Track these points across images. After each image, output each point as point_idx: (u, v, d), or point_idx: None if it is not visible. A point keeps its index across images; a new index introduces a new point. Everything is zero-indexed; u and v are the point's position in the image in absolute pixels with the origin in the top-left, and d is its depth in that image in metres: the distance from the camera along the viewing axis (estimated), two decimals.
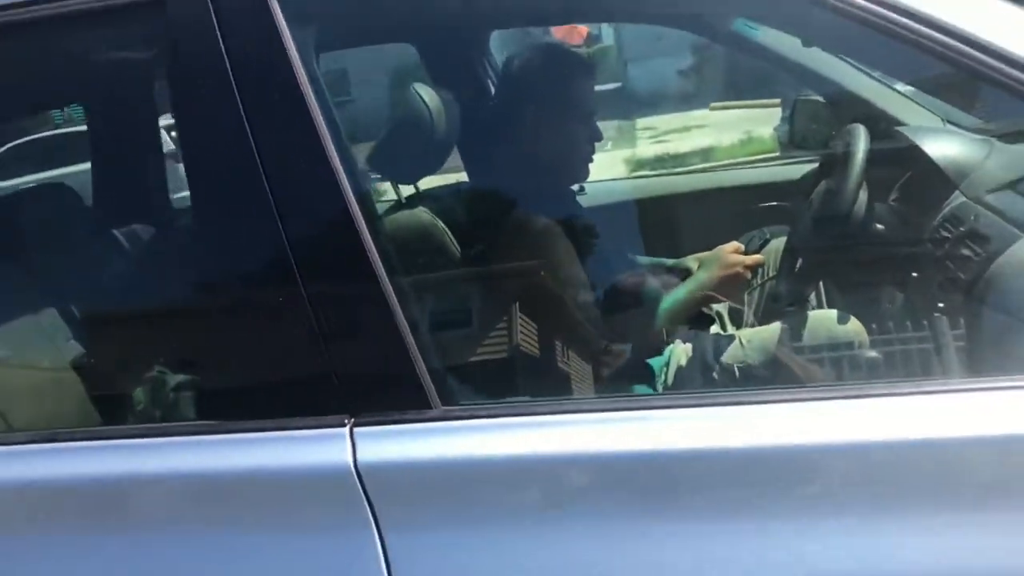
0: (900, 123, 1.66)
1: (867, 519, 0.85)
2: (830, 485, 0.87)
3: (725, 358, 1.60)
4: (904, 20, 0.93)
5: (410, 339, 0.91)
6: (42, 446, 0.97)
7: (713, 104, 5.98)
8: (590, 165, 1.66)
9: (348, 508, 0.89)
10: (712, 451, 0.88)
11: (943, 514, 0.85)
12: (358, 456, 0.89)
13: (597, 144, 1.61)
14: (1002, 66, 0.90)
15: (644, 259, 1.78)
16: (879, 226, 1.54)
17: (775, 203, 1.91)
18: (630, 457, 0.89)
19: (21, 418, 1.14)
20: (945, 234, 1.40)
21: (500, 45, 1.99)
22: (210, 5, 0.96)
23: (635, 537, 0.88)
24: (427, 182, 1.60)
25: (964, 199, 1.38)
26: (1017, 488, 0.86)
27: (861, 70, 1.65)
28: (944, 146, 1.51)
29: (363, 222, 0.92)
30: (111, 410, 1.14)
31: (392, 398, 0.92)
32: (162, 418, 1.06)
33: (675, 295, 1.64)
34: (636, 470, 0.90)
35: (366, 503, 0.89)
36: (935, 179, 1.46)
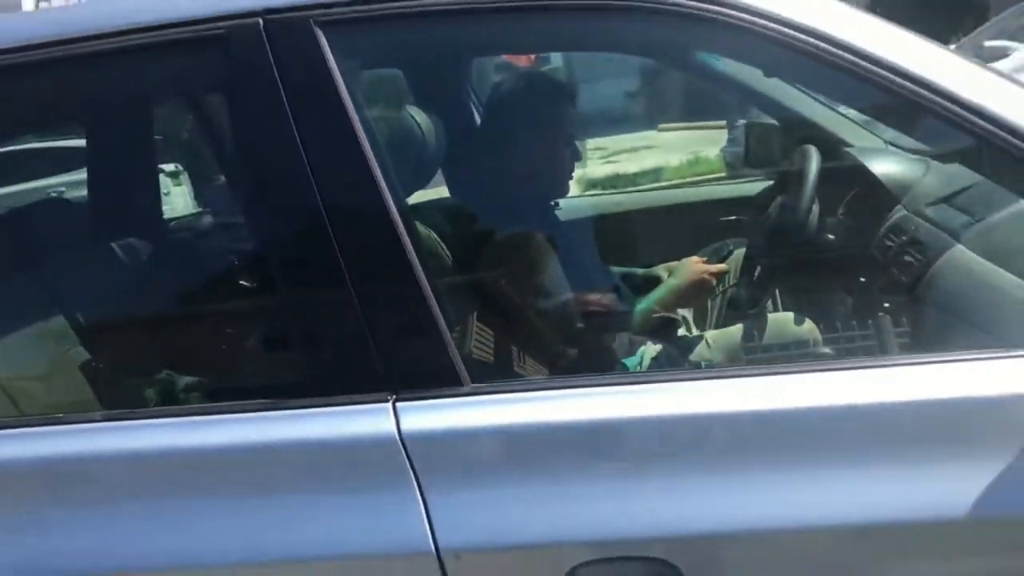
0: (848, 145, 1.85)
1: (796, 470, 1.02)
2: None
3: (692, 356, 1.77)
4: (851, 56, 1.11)
5: (445, 328, 1.07)
6: (127, 423, 1.10)
7: (661, 125, 6.16)
8: (570, 182, 1.83)
9: (393, 472, 1.03)
10: (676, 416, 1.06)
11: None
12: (401, 427, 1.04)
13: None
14: (933, 96, 1.08)
15: (618, 268, 1.94)
16: (830, 236, 1.73)
17: (735, 217, 2.09)
18: (617, 422, 1.06)
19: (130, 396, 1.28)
20: (889, 243, 1.58)
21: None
22: (264, 36, 1.11)
23: (626, 489, 1.04)
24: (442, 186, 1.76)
25: (905, 212, 1.57)
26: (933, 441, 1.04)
27: (814, 98, 1.84)
28: (887, 165, 1.71)
29: (401, 225, 1.07)
30: (183, 392, 1.26)
31: (429, 378, 1.06)
32: (229, 398, 1.18)
33: (648, 300, 1.80)
34: (622, 433, 1.07)
35: (409, 467, 1.03)
36: (879, 194, 1.65)
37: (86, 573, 1.08)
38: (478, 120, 1.91)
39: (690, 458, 1.05)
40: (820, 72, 1.18)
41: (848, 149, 1.82)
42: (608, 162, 6.47)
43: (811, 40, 1.12)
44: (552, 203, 1.84)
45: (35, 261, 1.55)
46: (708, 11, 1.10)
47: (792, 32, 1.10)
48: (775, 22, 1.10)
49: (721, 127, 4.93)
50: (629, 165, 6.27)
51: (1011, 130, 1.06)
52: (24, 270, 1.53)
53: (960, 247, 1.37)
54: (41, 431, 1.15)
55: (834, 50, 1.12)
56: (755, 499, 1.03)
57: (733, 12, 1.10)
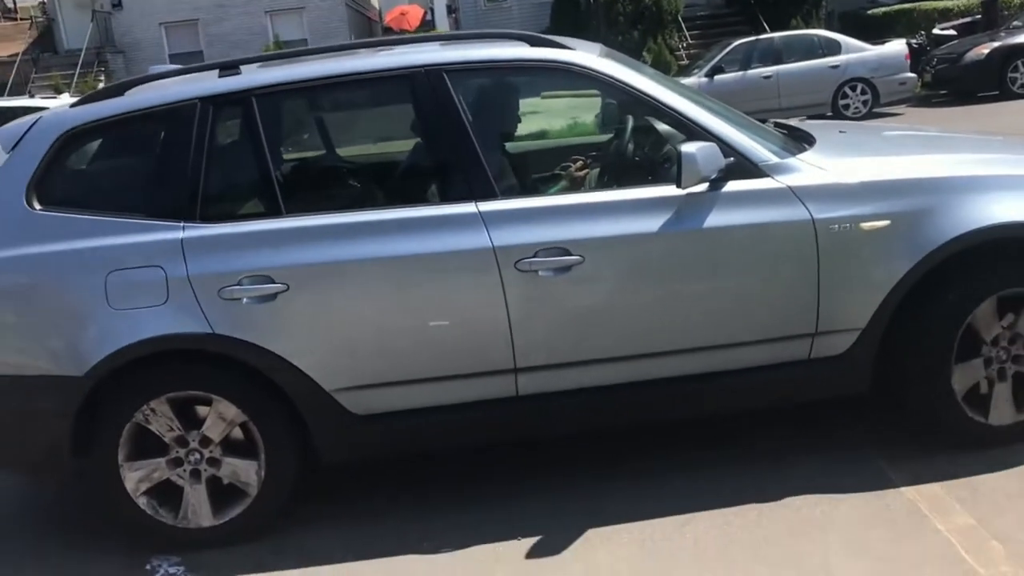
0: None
1: None
2: None
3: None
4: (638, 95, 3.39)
5: None
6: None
7: (544, 93, 8.29)
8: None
9: None
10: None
11: None
12: None
13: None
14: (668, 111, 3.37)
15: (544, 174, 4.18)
16: (634, 156, 4.02)
17: (596, 150, 4.37)
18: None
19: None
20: (658, 155, 3.86)
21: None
22: (410, 81, 3.32)
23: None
24: None
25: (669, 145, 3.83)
26: None
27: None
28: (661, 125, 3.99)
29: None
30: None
31: None
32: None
33: (559, 184, 4.05)
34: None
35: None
36: (658, 138, 3.93)
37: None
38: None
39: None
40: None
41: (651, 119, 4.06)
42: None
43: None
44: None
45: None
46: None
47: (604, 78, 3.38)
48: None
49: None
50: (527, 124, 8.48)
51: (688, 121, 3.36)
52: None
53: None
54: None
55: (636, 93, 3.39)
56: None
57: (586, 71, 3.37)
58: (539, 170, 4.05)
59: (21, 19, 36.87)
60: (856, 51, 14.55)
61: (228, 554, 3.39)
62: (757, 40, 15.34)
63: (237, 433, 3.43)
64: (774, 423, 3.87)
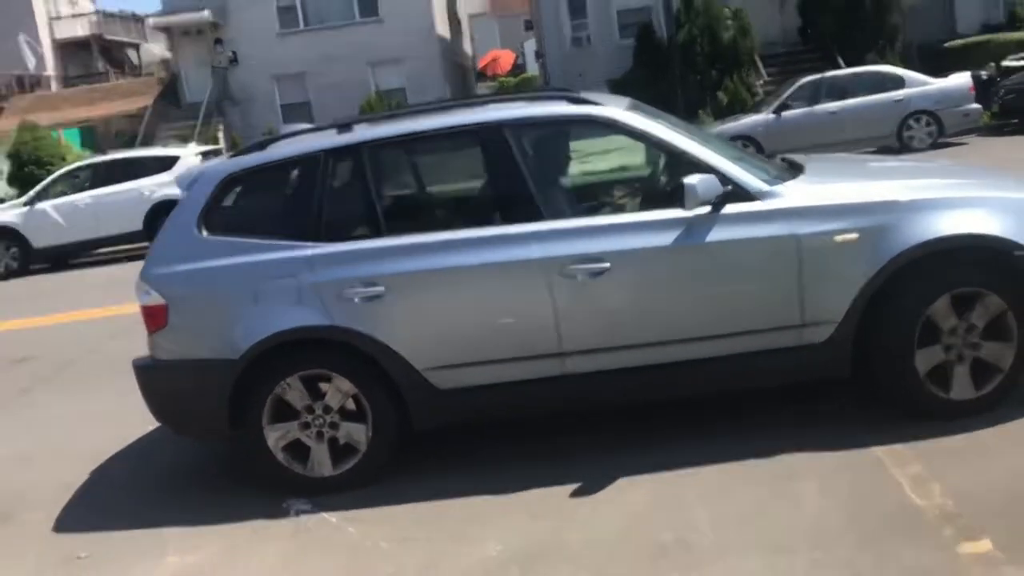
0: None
1: None
2: None
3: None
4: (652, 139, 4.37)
5: None
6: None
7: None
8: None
9: None
10: None
11: None
12: None
13: None
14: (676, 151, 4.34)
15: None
16: (656, 187, 4.96)
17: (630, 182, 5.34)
18: None
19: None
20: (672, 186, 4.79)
21: None
22: (479, 134, 4.41)
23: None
24: None
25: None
26: None
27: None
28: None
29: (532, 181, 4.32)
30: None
31: None
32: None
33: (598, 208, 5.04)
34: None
35: None
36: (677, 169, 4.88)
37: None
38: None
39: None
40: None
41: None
42: (585, 159, 9.64)
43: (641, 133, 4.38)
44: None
45: None
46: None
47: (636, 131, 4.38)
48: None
49: None
50: (601, 161, 9.50)
51: (692, 158, 4.32)
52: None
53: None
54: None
55: (648, 135, 4.38)
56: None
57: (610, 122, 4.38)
58: (583, 199, 5.05)
59: (146, 75, 40.12)
60: (919, 85, 15.13)
61: (344, 496, 4.45)
62: (823, 77, 16.05)
63: (350, 404, 4.50)
64: (775, 400, 4.74)
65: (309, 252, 4.42)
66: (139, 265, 4.87)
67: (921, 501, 3.68)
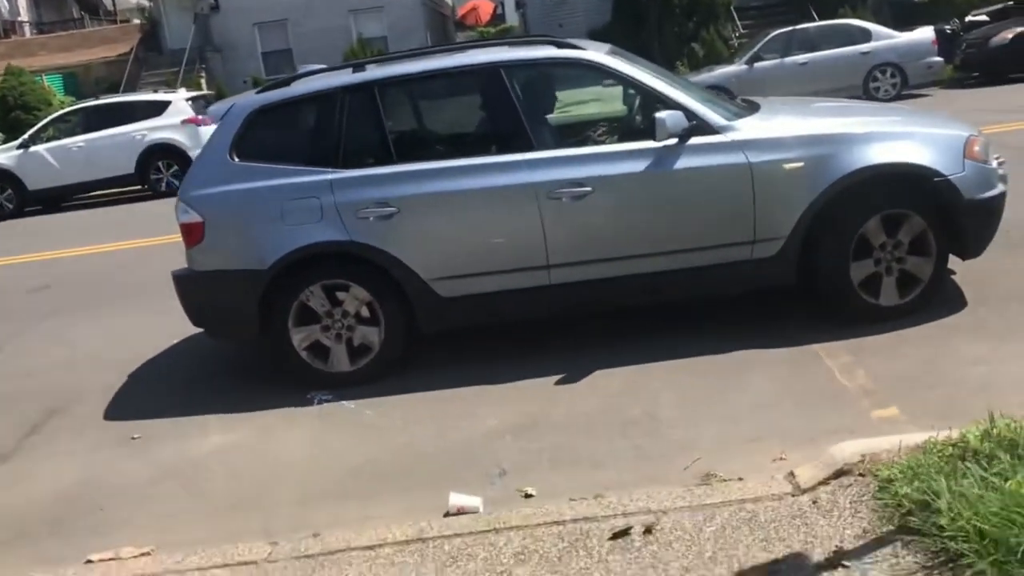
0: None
1: None
2: None
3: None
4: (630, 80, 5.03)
5: None
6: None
7: (605, 81, 9.90)
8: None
9: None
10: None
11: None
12: None
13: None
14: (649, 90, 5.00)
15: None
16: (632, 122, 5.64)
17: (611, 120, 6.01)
18: None
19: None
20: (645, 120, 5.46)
21: None
22: (477, 74, 5.06)
23: None
24: None
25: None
26: None
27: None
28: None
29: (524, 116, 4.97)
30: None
31: None
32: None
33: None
34: None
35: None
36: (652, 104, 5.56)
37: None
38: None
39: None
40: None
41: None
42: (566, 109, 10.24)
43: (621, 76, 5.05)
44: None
45: None
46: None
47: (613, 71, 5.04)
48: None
49: None
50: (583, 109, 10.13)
51: (663, 96, 4.99)
52: None
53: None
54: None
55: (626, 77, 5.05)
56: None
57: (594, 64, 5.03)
58: (568, 132, 5.72)
59: (121, 21, 39.92)
60: (885, 38, 15.83)
61: (359, 388, 5.16)
62: (794, 30, 16.73)
63: (365, 311, 5.19)
64: (730, 307, 5.49)
65: (330, 176, 5.08)
66: (132, 207, 5.57)
67: (847, 382, 4.45)
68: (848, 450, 3.46)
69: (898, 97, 15.33)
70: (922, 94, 16.06)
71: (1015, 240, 5.72)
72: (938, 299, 5.13)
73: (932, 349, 4.69)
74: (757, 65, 15.81)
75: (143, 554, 3.71)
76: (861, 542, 2.89)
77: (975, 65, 16.50)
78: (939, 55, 15.92)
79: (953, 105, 13.99)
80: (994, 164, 5.12)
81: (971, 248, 5.10)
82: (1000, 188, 5.05)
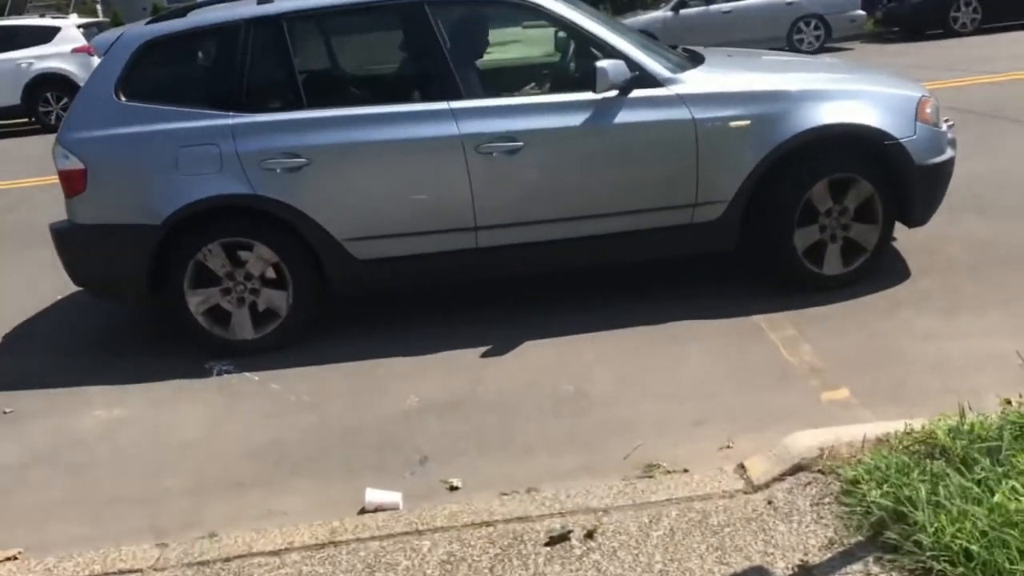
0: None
1: None
2: None
3: None
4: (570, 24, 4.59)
5: None
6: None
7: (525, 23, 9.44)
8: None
9: None
10: None
11: None
12: None
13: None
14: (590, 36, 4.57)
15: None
16: (569, 71, 5.22)
17: (546, 67, 5.57)
18: None
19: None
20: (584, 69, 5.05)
21: None
22: (400, 10, 4.54)
23: None
24: None
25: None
26: None
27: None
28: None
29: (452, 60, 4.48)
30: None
31: None
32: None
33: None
34: None
35: None
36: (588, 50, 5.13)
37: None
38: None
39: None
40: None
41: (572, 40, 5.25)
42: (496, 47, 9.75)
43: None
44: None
45: None
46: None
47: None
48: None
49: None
50: (510, 50, 9.63)
51: (604, 44, 4.56)
52: None
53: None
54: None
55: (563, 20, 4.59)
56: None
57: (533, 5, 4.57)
58: (499, 80, 5.25)
59: None
60: None
61: (264, 358, 4.68)
62: None
63: (271, 273, 4.69)
64: (668, 273, 5.18)
65: (231, 121, 4.52)
66: (18, 141, 4.88)
67: (792, 359, 4.18)
68: (803, 442, 3.17)
69: (821, 50, 15.22)
70: (845, 47, 16.00)
71: (956, 206, 5.53)
72: (880, 268, 4.91)
73: (878, 323, 4.46)
74: (682, 12, 15.48)
75: (9, 558, 3.22)
76: (828, 555, 2.60)
77: (895, 20, 16.50)
78: (863, 9, 15.85)
79: (875, 60, 13.92)
80: (944, 127, 4.88)
81: (918, 215, 4.86)
82: (950, 153, 4.82)
